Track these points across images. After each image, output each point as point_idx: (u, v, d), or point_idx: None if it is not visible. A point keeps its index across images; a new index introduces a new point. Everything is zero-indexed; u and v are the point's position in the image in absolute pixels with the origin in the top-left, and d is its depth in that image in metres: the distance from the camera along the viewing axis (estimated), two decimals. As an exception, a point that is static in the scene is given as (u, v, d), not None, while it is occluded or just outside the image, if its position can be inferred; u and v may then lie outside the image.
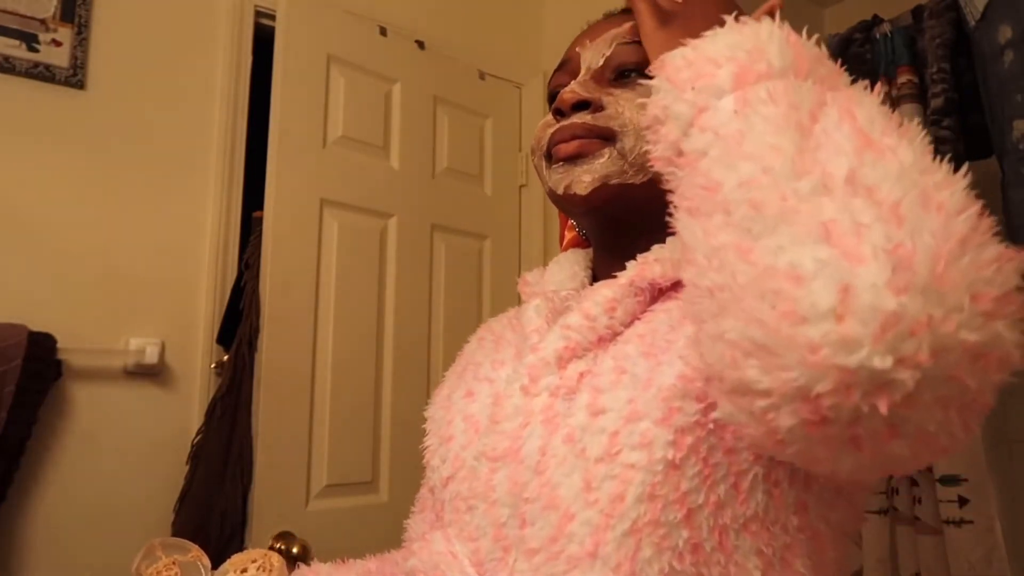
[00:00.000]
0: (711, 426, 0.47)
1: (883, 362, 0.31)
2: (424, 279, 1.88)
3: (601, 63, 0.62)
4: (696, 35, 0.48)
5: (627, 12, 0.67)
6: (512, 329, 0.67)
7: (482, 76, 2.09)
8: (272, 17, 1.72)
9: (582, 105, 0.61)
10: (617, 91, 0.61)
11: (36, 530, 1.39)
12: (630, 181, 0.59)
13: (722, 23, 0.48)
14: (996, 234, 0.35)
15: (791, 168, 0.37)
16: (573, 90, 0.61)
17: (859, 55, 1.76)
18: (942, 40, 1.62)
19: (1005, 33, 1.49)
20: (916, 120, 0.41)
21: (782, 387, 0.34)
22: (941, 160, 0.37)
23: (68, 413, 1.44)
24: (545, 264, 0.72)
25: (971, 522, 1.49)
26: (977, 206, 0.35)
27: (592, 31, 0.65)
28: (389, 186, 1.83)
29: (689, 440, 0.47)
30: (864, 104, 0.40)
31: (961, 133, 1.60)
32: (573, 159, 0.60)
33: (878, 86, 0.43)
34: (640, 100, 0.58)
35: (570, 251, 0.72)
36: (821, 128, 0.39)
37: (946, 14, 1.63)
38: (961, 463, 1.51)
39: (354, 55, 1.80)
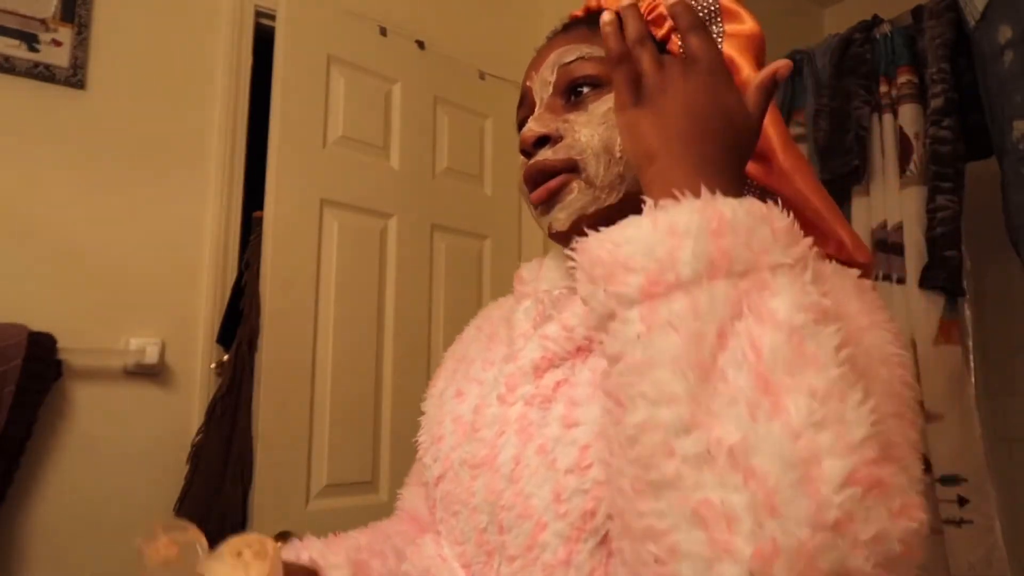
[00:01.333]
0: None
1: None
2: (424, 279, 1.88)
3: (550, 91, 0.62)
4: (665, 114, 0.47)
5: (569, 28, 0.66)
6: (506, 325, 0.67)
7: (482, 76, 2.09)
8: (272, 17, 1.72)
9: (542, 140, 0.60)
10: (572, 115, 0.60)
11: (36, 530, 1.39)
12: (606, 204, 0.58)
13: (702, 104, 0.46)
14: (888, 486, 0.34)
15: (680, 424, 0.37)
16: (530, 128, 0.60)
17: (859, 55, 1.76)
18: (942, 40, 1.62)
19: (1005, 33, 1.49)
20: (835, 338, 0.38)
21: None
22: (850, 387, 0.36)
23: (68, 413, 1.44)
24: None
25: (971, 522, 1.49)
26: (864, 471, 0.34)
27: (537, 60, 0.65)
28: (389, 186, 1.84)
29: None
30: (777, 320, 0.37)
31: (961, 133, 1.60)
32: (547, 202, 0.60)
33: (808, 274, 0.40)
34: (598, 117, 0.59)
35: None
36: (722, 366, 0.37)
37: (946, 14, 1.63)
38: (961, 463, 1.52)
39: (354, 55, 1.80)
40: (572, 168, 0.59)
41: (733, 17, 0.62)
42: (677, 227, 0.40)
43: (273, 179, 1.62)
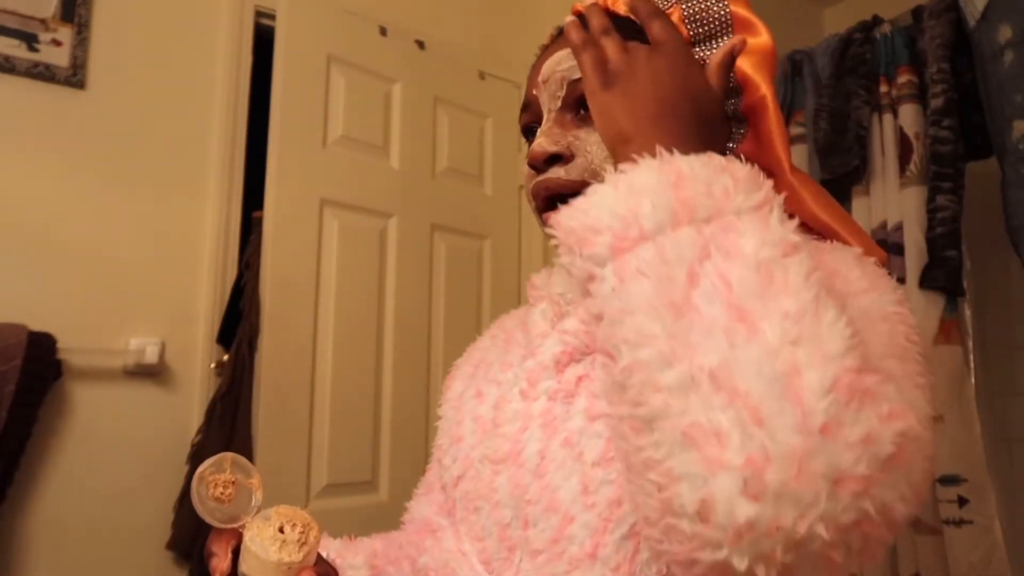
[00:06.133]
0: None
1: (740, 563, 0.34)
2: (424, 279, 1.88)
3: (559, 105, 0.60)
4: (635, 96, 0.48)
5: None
6: (522, 330, 0.68)
7: (482, 76, 2.09)
8: (272, 17, 1.72)
9: (554, 158, 0.59)
10: (583, 132, 0.59)
11: (36, 530, 1.39)
12: None
13: (670, 85, 0.47)
14: (873, 393, 0.36)
15: (661, 359, 0.38)
16: (541, 145, 0.59)
17: (859, 55, 1.76)
18: (942, 40, 1.62)
19: (1005, 33, 1.49)
20: (804, 266, 0.39)
21: (673, 555, 0.38)
22: (823, 307, 0.37)
23: (68, 413, 1.44)
24: (545, 264, 0.72)
25: (971, 522, 1.49)
26: (846, 379, 0.35)
27: (541, 66, 0.63)
28: (389, 186, 1.84)
29: None
30: (745, 255, 0.39)
31: (961, 133, 1.60)
32: None
33: (775, 214, 0.41)
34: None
35: None
36: (696, 302, 0.39)
37: (946, 14, 1.63)
38: (961, 463, 1.51)
39: (354, 55, 1.80)
40: (586, 188, 0.59)
41: (747, 28, 0.60)
42: (636, 186, 0.42)
43: (273, 179, 1.62)
